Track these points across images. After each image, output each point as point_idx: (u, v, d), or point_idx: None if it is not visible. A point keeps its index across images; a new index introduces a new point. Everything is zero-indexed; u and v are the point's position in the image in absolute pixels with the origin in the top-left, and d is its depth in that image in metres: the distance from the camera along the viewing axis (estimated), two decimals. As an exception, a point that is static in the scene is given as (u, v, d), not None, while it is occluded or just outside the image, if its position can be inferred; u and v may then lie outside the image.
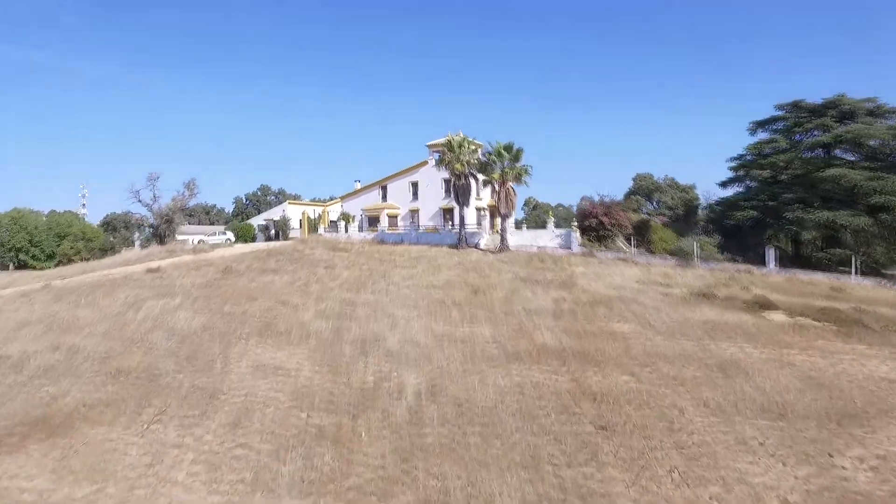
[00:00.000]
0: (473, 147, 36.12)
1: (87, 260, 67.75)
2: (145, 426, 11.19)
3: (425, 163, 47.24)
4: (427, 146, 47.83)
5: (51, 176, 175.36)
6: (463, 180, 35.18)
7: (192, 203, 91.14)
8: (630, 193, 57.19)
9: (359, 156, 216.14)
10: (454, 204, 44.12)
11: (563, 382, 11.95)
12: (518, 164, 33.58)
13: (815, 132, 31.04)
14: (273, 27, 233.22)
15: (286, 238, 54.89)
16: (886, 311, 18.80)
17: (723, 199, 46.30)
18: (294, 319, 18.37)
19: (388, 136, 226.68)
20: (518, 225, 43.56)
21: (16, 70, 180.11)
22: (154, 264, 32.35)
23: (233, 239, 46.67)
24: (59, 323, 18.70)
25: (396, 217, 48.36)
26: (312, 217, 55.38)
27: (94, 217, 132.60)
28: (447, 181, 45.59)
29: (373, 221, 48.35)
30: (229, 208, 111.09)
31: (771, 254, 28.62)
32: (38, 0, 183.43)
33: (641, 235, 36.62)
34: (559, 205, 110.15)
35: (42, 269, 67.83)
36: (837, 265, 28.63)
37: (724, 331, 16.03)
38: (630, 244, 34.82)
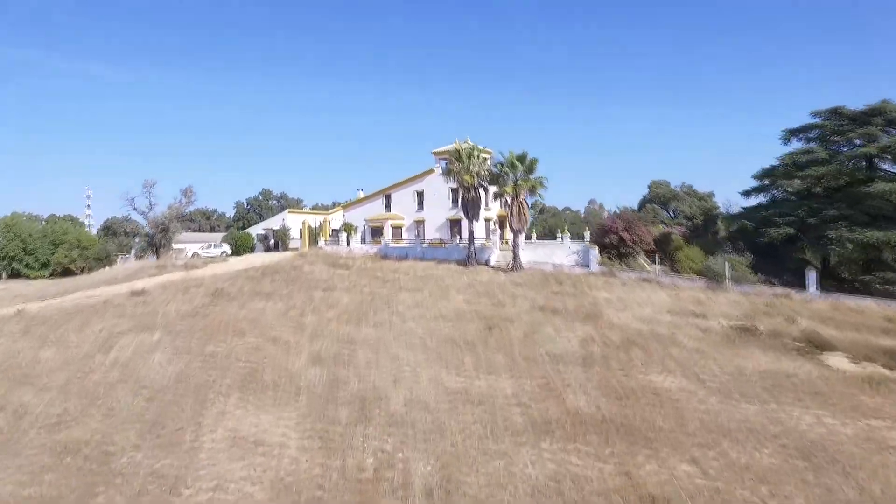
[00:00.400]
0: (483, 157, 33.71)
1: (83, 269, 66.14)
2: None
3: (431, 171, 44.91)
4: (433, 153, 45.52)
5: (53, 178, 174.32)
6: (472, 193, 32.78)
7: (190, 209, 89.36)
8: (645, 202, 54.62)
9: (362, 159, 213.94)
10: (462, 215, 41.74)
11: (610, 475, 9.51)
12: (532, 176, 31.17)
13: (858, 142, 28.45)
14: (274, 27, 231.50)
15: (286, 248, 52.68)
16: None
17: (747, 209, 43.73)
18: (284, 366, 15.99)
19: (393, 142, 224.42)
20: (527, 235, 41.11)
21: (15, 70, 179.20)
22: (140, 285, 30.11)
23: (228, 251, 44.42)
24: (17, 369, 16.41)
25: (401, 228, 46.01)
26: (313, 226, 53.10)
27: (98, 218, 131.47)
28: (454, 191, 43.22)
29: (376, 233, 46.01)
30: (230, 213, 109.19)
31: (812, 277, 26.07)
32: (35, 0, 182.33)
33: (663, 250, 34.13)
34: (567, 208, 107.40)
35: (36, 277, 66.01)
36: (883, 286, 26.07)
37: (786, 387, 13.54)
38: (653, 261, 32.32)
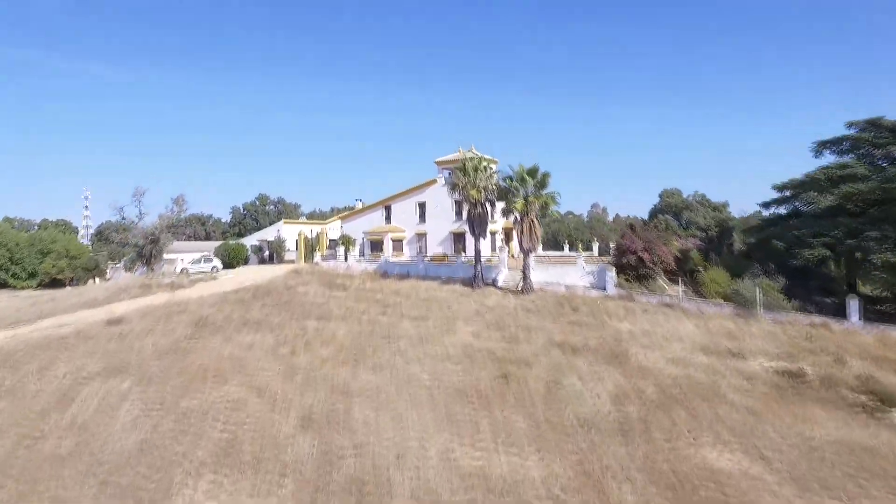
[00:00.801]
0: (489, 167, 31.37)
1: (71, 279, 63.74)
2: None
3: (434, 181, 42.63)
4: (436, 163, 43.25)
5: (53, 178, 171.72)
6: (479, 209, 30.47)
7: (186, 214, 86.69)
8: (656, 211, 52.32)
9: (361, 159, 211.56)
10: (466, 228, 39.48)
11: None
12: (544, 192, 28.84)
13: (900, 155, 26.20)
14: (275, 27, 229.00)
15: (281, 261, 50.36)
16: None
17: (766, 220, 41.49)
18: (268, 431, 13.66)
19: (392, 143, 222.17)
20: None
21: (16, 70, 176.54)
22: (119, 310, 27.77)
23: (219, 267, 42.05)
24: (-44, 432, 14.06)
25: (402, 241, 43.69)
26: (310, 237, 50.77)
27: (96, 219, 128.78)
28: (458, 203, 40.97)
29: (375, 246, 43.69)
30: (226, 217, 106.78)
31: (854, 305, 23.79)
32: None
33: (683, 269, 31.83)
34: (569, 212, 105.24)
35: (23, 288, 63.63)
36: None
37: (873, 471, 11.25)
38: (675, 281, 30.04)
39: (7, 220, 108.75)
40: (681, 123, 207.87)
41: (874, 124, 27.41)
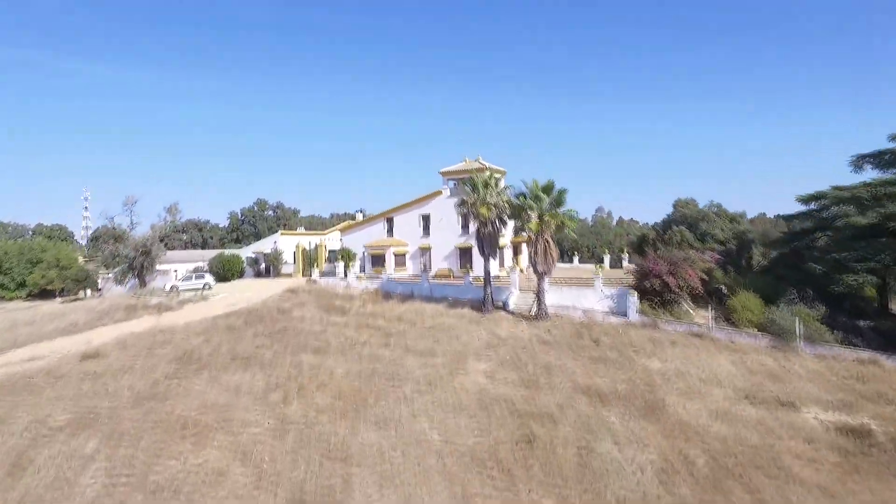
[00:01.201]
0: (501, 186, 29.13)
1: (61, 290, 61.51)
2: None
3: (439, 193, 40.43)
4: (441, 173, 41.02)
5: (53, 178, 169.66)
6: (489, 227, 28.23)
7: (180, 221, 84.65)
8: (670, 222, 50.03)
9: (360, 159, 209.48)
10: (472, 243, 37.29)
11: None
12: (560, 210, 26.61)
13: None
14: (274, 27, 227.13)
15: (278, 274, 48.20)
16: None
17: (791, 234, 39.39)
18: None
19: (394, 150, 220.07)
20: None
21: (16, 70, 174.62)
22: (99, 339, 25.58)
23: (211, 284, 39.83)
24: None
25: (404, 255, 41.45)
26: (308, 249, 48.60)
27: (95, 220, 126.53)
28: (464, 216, 38.77)
29: (377, 261, 41.45)
30: (224, 222, 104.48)
31: (907, 340, 21.50)
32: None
33: (706, 289, 29.60)
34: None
35: (11, 299, 61.46)
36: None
37: None
38: (702, 304, 27.84)
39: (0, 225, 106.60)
40: (682, 124, 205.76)
41: (920, 137, 25.17)
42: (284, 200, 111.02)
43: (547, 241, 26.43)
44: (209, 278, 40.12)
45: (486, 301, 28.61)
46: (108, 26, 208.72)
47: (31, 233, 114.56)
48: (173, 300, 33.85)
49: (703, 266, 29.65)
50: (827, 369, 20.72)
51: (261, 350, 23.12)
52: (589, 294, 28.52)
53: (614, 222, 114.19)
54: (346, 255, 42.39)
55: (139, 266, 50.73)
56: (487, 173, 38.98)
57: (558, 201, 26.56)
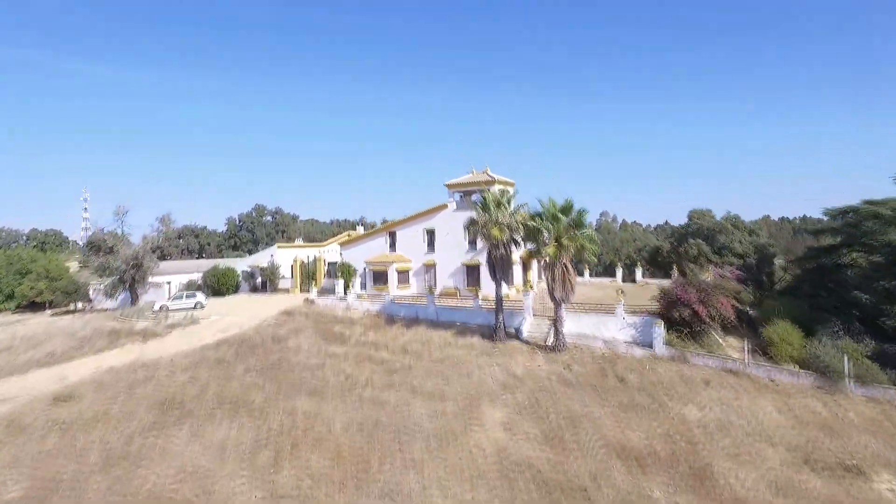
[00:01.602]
0: (515, 206, 26.85)
1: (51, 302, 59.27)
2: None
3: (444, 206, 38.18)
4: (446, 186, 38.81)
5: (53, 178, 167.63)
6: (501, 250, 25.96)
7: (175, 226, 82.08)
8: (685, 235, 47.71)
9: (361, 166, 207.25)
10: (480, 260, 35.10)
11: None
12: (580, 232, 24.36)
13: None
14: (273, 27, 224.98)
15: (275, 289, 45.95)
16: None
17: (816, 249, 37.13)
18: None
19: (392, 144, 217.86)
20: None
21: (16, 70, 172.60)
22: (76, 374, 23.35)
23: (204, 302, 37.58)
24: None
25: (408, 272, 39.18)
26: (306, 262, 46.35)
27: (94, 221, 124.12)
28: (470, 222, 36.60)
29: (378, 278, 39.19)
30: (221, 228, 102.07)
31: (971, 383, 19.24)
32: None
33: (740, 318, 27.43)
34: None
35: (0, 311, 59.42)
36: None
37: None
38: (731, 330, 25.62)
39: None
40: (682, 124, 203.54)
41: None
42: (283, 205, 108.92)
43: (565, 267, 24.17)
44: (201, 297, 37.84)
45: (497, 329, 26.36)
46: (109, 26, 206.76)
47: (25, 238, 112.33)
48: (161, 324, 31.58)
49: (732, 290, 27.33)
50: (884, 416, 18.50)
51: (251, 391, 20.88)
52: (610, 322, 26.26)
53: (618, 226, 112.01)
54: (346, 272, 40.14)
55: (130, 279, 48.59)
56: (497, 188, 36.88)
57: (577, 222, 24.32)
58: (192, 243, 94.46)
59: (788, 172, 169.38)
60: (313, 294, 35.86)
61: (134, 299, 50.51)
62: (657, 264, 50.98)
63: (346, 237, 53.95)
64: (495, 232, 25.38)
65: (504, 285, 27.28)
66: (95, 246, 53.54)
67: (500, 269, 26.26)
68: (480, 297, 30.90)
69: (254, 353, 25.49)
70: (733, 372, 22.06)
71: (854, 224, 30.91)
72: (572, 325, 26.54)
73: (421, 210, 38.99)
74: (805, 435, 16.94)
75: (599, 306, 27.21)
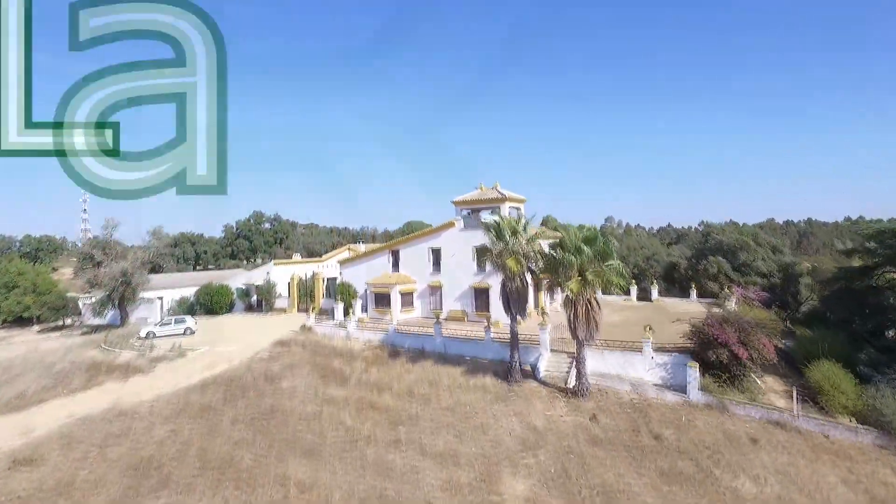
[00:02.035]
0: (532, 232, 24.42)
1: (38, 317, 56.81)
2: None
3: (451, 224, 35.75)
4: (453, 203, 36.38)
5: (52, 178, 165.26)
6: (517, 282, 23.50)
7: (167, 237, 79.53)
8: (703, 252, 45.22)
9: (361, 169, 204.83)
10: (490, 283, 32.73)
11: None
12: (607, 265, 21.91)
13: None
14: (272, 27, 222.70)
15: (271, 308, 43.51)
16: None
17: (846, 270, 34.92)
18: None
19: (392, 144, 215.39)
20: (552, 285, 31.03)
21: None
22: (44, 425, 20.88)
23: (193, 327, 35.12)
24: None
25: (412, 294, 36.76)
26: (304, 279, 43.93)
27: (93, 223, 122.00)
28: (480, 251, 34.19)
29: (381, 300, 36.75)
30: (218, 234, 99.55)
31: None
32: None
33: (783, 357, 25.11)
34: (581, 226, 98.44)
35: (-14, 326, 56.98)
36: None
37: None
38: (775, 372, 23.22)
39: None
40: (682, 124, 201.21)
41: None
42: (283, 213, 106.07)
43: (589, 303, 21.75)
44: (190, 321, 35.35)
45: (512, 369, 23.92)
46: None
47: (18, 244, 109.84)
48: (145, 355, 29.11)
49: (769, 323, 24.84)
50: (965, 488, 16.03)
51: (239, 450, 18.43)
52: (637, 361, 23.84)
53: (622, 231, 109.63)
54: (346, 293, 37.72)
55: (119, 297, 46.16)
56: (508, 205, 34.51)
57: (603, 254, 21.87)
58: (188, 251, 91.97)
59: (789, 173, 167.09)
60: (311, 320, 33.39)
61: (123, 317, 48.12)
62: (672, 280, 48.51)
63: (347, 251, 51.56)
64: (511, 263, 22.91)
65: (519, 318, 24.78)
66: (89, 255, 51.18)
67: (516, 302, 23.80)
68: (492, 328, 28.41)
69: (244, 396, 23.04)
70: (781, 425, 19.65)
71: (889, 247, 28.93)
72: (594, 362, 24.11)
73: (427, 227, 36.49)
74: (884, 518, 14.51)
75: (624, 343, 24.74)
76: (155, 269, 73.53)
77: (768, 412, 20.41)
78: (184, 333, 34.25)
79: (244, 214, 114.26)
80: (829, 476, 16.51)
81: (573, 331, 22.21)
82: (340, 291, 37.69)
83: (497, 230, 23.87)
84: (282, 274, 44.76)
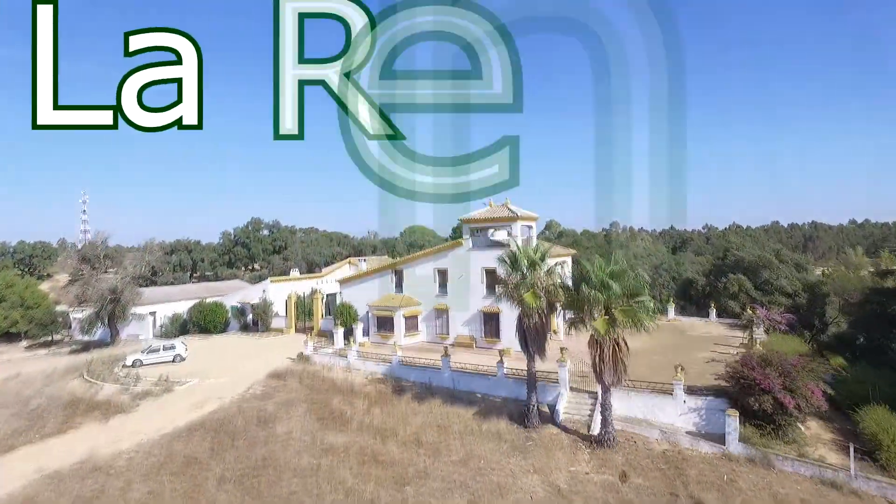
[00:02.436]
0: (552, 263, 22.24)
1: (26, 332, 54.61)
2: None
3: (458, 243, 33.69)
4: (461, 221, 34.21)
5: (52, 178, 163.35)
6: (536, 318, 21.28)
7: (164, 244, 77.66)
8: (722, 269, 42.99)
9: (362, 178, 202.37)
10: (500, 308, 30.48)
11: None
12: (636, 301, 19.71)
13: None
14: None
15: (267, 328, 41.34)
16: None
17: (876, 291, 32.93)
18: None
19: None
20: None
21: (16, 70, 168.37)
22: (6, 482, 18.69)
23: (183, 354, 32.90)
24: None
25: (416, 318, 34.59)
26: (302, 297, 41.78)
27: (93, 224, 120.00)
28: (490, 273, 32.09)
29: (383, 323, 34.58)
30: (216, 240, 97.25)
31: None
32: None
33: (833, 401, 22.98)
34: (585, 231, 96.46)
35: (-28, 342, 54.86)
36: None
37: None
38: (820, 418, 21.02)
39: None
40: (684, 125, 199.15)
41: None
42: (282, 219, 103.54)
43: (617, 344, 19.55)
44: (180, 347, 33.06)
45: (529, 412, 21.72)
46: (102, 26, 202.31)
47: (12, 251, 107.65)
48: (129, 389, 26.91)
49: (819, 371, 22.46)
50: None
51: (225, 520, 16.24)
52: (667, 405, 21.63)
53: (625, 234, 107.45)
54: (347, 314, 35.56)
55: (109, 314, 44.04)
56: (520, 224, 32.28)
57: (633, 291, 19.65)
58: (185, 259, 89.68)
59: (787, 175, 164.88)
60: (309, 347, 31.18)
61: (113, 335, 45.98)
62: (688, 297, 46.28)
63: (347, 265, 49.42)
64: (529, 299, 20.70)
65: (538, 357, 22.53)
66: (79, 270, 49.19)
67: (534, 340, 21.57)
68: (504, 359, 26.13)
69: (234, 445, 20.83)
70: (836, 486, 17.46)
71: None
72: (619, 404, 21.85)
73: (431, 248, 34.32)
74: None
75: (653, 384, 22.51)
76: (152, 274, 71.35)
77: (820, 470, 18.18)
78: (173, 361, 32.02)
79: (242, 221, 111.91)
80: (904, 560, 14.31)
81: (598, 374, 20.01)
82: (340, 313, 35.51)
83: (513, 261, 21.65)
84: (279, 291, 42.57)
